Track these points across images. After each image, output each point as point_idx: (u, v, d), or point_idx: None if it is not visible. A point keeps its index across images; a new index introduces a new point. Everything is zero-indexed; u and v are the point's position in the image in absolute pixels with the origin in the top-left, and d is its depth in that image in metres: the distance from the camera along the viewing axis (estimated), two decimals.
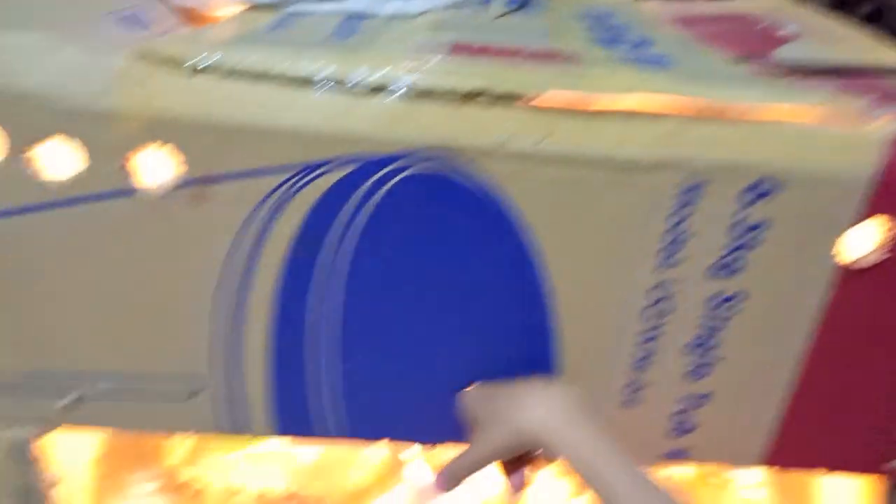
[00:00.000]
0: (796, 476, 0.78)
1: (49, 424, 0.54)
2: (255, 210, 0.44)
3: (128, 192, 0.43)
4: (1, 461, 0.54)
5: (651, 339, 0.50)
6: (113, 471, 0.75)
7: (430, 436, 0.56)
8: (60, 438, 0.57)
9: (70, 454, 0.64)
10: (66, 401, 0.52)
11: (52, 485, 0.56)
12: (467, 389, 0.53)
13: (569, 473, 0.44)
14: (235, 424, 0.54)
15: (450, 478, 0.51)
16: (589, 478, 0.43)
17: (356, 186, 0.43)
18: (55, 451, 0.57)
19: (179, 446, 0.80)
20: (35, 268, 0.47)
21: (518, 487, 0.51)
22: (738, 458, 0.55)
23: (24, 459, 0.54)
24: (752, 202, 0.43)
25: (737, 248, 0.45)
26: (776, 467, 0.55)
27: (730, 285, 0.47)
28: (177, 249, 0.46)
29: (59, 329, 0.49)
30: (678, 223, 0.45)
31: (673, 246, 0.46)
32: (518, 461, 0.51)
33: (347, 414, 0.54)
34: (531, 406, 0.46)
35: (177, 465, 0.79)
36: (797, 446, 0.54)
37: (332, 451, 0.85)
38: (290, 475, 0.83)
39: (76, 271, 0.47)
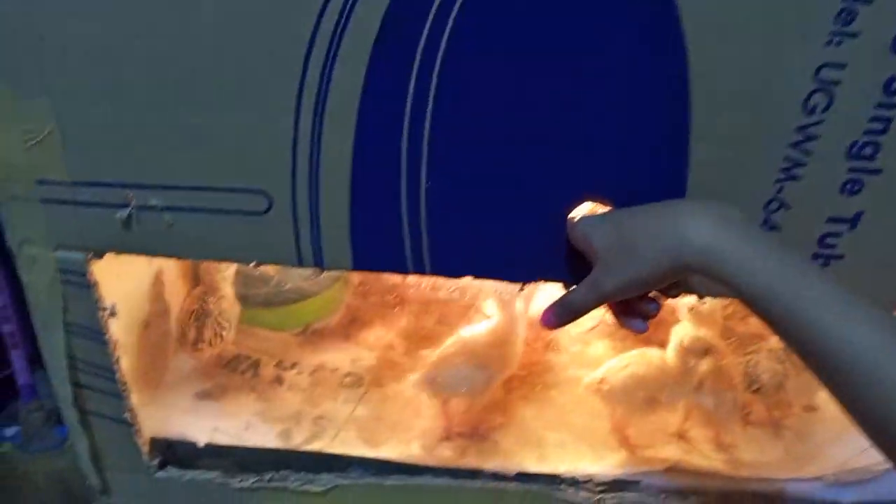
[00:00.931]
0: None
1: (106, 246, 0.49)
2: None
3: None
4: (52, 285, 0.50)
5: (807, 139, 0.42)
6: (159, 344, 0.72)
7: (522, 273, 0.50)
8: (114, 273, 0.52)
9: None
10: (122, 214, 0.47)
11: (110, 315, 0.52)
12: (581, 216, 0.46)
13: (743, 302, 0.36)
14: (307, 254, 0.49)
15: (563, 313, 0.44)
16: (778, 300, 0.34)
17: None
18: (112, 282, 0.52)
19: (233, 321, 0.76)
20: (101, 37, 0.41)
21: (643, 325, 0.44)
22: (882, 299, 0.48)
23: (79, 284, 0.50)
24: None
25: None
26: None
27: None
28: (261, 20, 0.40)
29: (118, 125, 0.44)
30: None
31: (854, 6, 0.37)
32: (639, 297, 0.44)
33: (429, 243, 0.48)
34: (693, 223, 0.37)
35: (231, 339, 0.75)
36: None
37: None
38: (346, 352, 0.79)
39: (147, 43, 0.41)
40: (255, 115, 0.43)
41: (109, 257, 0.50)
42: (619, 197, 0.45)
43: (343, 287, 0.86)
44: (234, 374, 0.75)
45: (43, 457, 0.88)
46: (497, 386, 0.69)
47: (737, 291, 0.36)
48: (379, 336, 0.82)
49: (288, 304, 0.81)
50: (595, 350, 0.81)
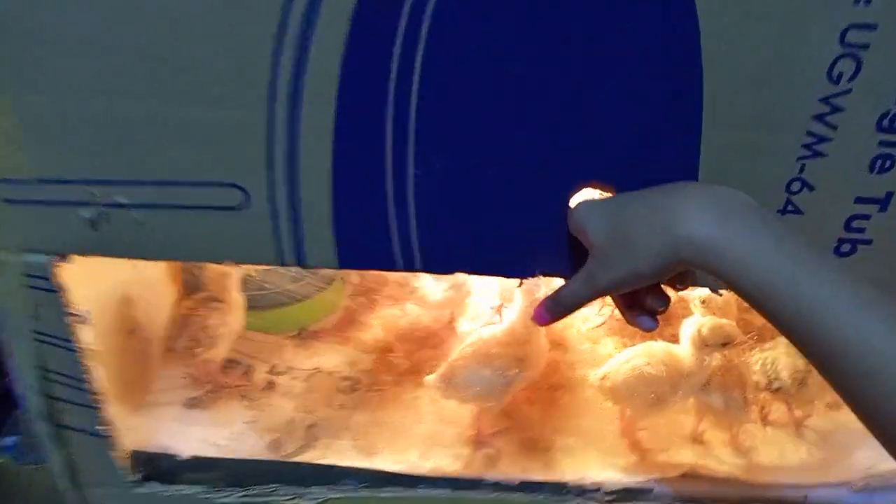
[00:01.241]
0: None
1: (73, 249, 0.45)
2: None
3: None
4: (20, 291, 0.47)
5: (832, 111, 0.38)
6: (144, 352, 0.69)
7: (521, 267, 0.46)
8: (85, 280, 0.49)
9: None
10: (88, 214, 0.44)
11: (81, 321, 0.48)
12: (582, 202, 0.42)
13: (747, 298, 0.32)
14: (288, 251, 0.45)
15: (555, 308, 0.41)
16: (785, 298, 0.30)
17: None
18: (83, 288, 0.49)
19: (226, 333, 0.72)
20: (61, 26, 0.37)
21: (651, 323, 0.41)
22: None
23: (48, 290, 0.47)
24: None
25: None
26: None
27: None
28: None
29: (79, 117, 0.40)
30: None
31: None
32: (645, 291, 0.40)
33: (418, 238, 0.45)
34: (690, 213, 0.34)
35: (216, 354, 0.72)
36: None
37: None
38: (344, 356, 0.76)
39: (110, 30, 0.37)
40: (225, 101, 0.40)
41: (79, 260, 0.46)
42: (625, 179, 0.41)
43: (340, 288, 0.82)
44: (225, 380, 0.71)
45: (42, 468, 0.84)
46: (518, 389, 0.65)
47: (737, 288, 0.33)
48: (378, 338, 0.78)
49: (282, 306, 0.77)
50: (604, 348, 0.78)
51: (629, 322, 0.41)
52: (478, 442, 0.65)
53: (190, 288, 0.74)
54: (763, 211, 0.34)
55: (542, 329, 0.65)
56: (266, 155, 0.41)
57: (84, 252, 0.45)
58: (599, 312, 0.83)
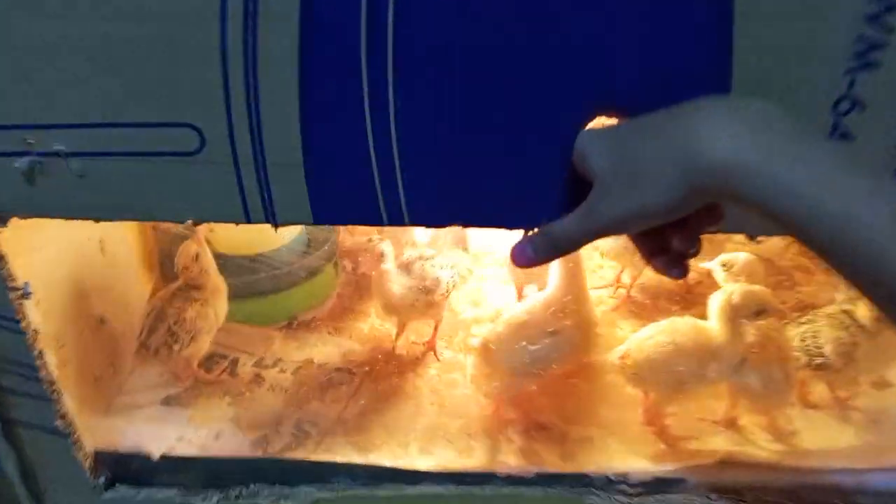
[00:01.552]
0: None
1: (8, 208, 0.40)
2: None
3: None
4: None
5: (887, 10, 0.32)
6: (116, 344, 0.63)
7: (524, 216, 0.39)
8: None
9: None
10: (22, 164, 0.38)
11: (24, 296, 0.43)
12: (585, 130, 0.36)
13: (785, 227, 0.27)
14: (255, 205, 0.39)
15: (545, 247, 0.35)
16: (834, 226, 0.25)
17: None
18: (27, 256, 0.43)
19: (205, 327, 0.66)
20: None
21: (680, 267, 0.34)
22: None
23: None
24: None
25: None
26: None
27: None
28: None
29: (12, 51, 0.35)
30: None
31: None
32: (672, 231, 0.34)
33: (405, 186, 0.38)
34: (709, 132, 0.28)
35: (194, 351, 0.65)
36: None
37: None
38: (337, 346, 0.69)
39: None
40: (169, 19, 0.34)
41: (19, 224, 0.40)
42: (641, 100, 0.35)
43: (334, 272, 0.76)
44: (207, 376, 0.65)
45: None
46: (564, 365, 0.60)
47: (775, 218, 0.27)
48: (375, 327, 0.72)
49: (271, 293, 0.71)
50: (622, 332, 0.71)
51: (653, 268, 0.35)
52: (493, 430, 0.58)
53: (168, 277, 0.68)
54: (803, 124, 0.28)
55: (589, 300, 0.59)
56: (222, 88, 0.35)
57: (21, 212, 0.39)
58: (614, 294, 0.76)
